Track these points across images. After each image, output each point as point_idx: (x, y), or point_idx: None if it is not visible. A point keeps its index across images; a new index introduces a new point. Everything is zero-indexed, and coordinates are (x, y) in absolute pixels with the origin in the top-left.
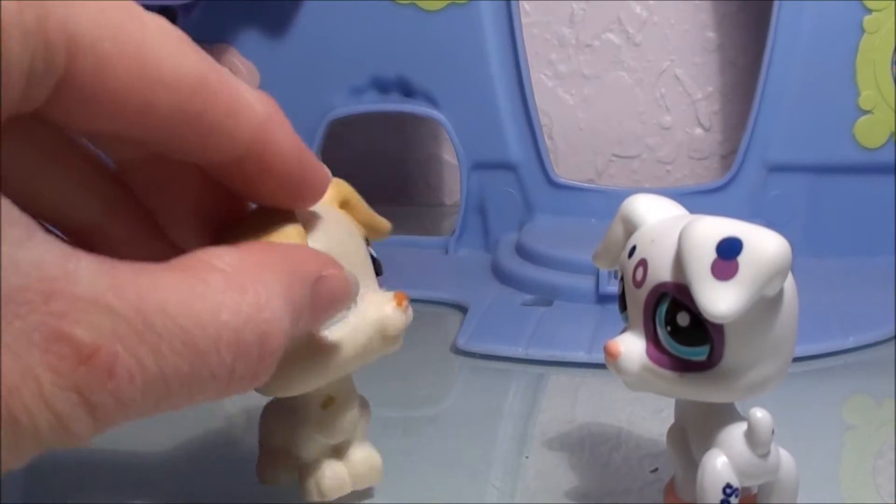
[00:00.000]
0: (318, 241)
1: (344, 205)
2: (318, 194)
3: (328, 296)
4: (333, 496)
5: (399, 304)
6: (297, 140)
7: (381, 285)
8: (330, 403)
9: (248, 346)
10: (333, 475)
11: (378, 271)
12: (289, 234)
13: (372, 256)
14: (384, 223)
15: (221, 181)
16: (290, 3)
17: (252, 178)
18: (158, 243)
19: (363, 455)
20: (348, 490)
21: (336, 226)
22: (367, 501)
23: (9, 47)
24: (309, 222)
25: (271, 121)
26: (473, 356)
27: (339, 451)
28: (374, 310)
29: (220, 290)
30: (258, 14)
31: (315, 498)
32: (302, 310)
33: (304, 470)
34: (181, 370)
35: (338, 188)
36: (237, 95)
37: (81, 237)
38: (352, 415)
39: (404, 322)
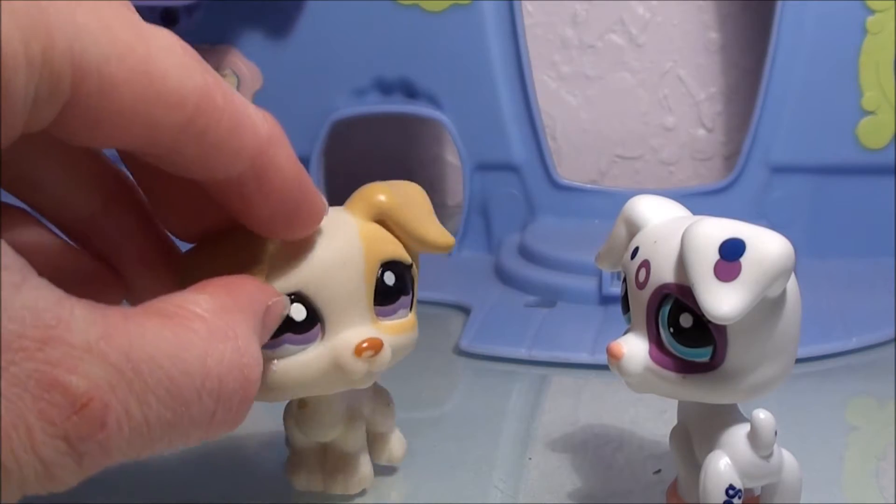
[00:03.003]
0: (293, 269)
1: (380, 221)
2: (312, 223)
3: (271, 324)
4: (300, 488)
5: (358, 354)
6: (298, 164)
7: (408, 306)
8: (303, 405)
9: (230, 392)
10: (307, 469)
11: (392, 296)
12: (252, 273)
13: (383, 285)
14: (436, 238)
15: (220, 201)
16: (293, 5)
17: (250, 198)
18: (154, 237)
19: (342, 464)
20: (317, 489)
21: (328, 250)
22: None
23: (14, 79)
24: (294, 245)
25: (273, 141)
26: (476, 357)
27: (325, 450)
28: (334, 350)
29: (204, 338)
30: (261, 15)
31: (289, 478)
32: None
33: (292, 456)
34: (165, 418)
35: (373, 203)
36: (241, 113)
37: (81, 230)
38: (328, 420)
39: (362, 370)
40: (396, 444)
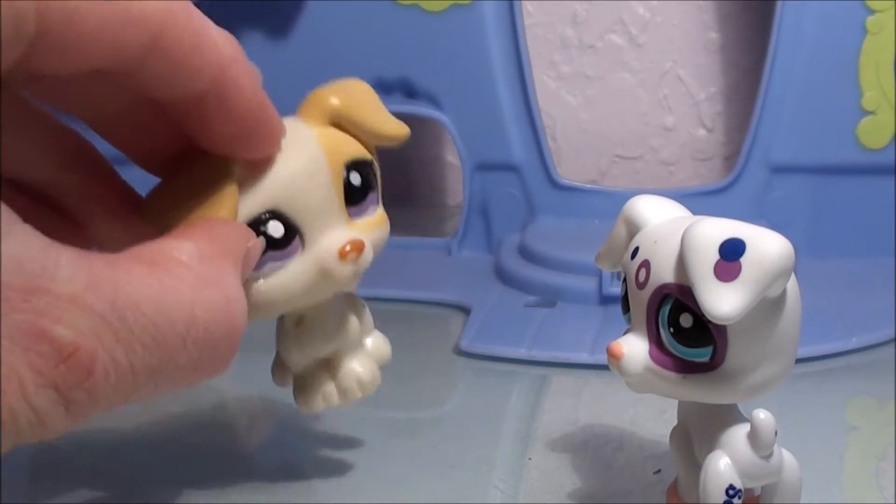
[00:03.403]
0: (263, 189)
1: (335, 123)
2: (272, 142)
3: (249, 266)
4: (319, 409)
5: (342, 257)
6: (259, 86)
7: (376, 201)
8: (301, 322)
9: (216, 339)
10: (320, 388)
11: (360, 195)
12: (224, 204)
13: (351, 186)
14: (392, 130)
15: (180, 122)
16: (293, 4)
17: (210, 117)
18: (118, 190)
19: (350, 368)
20: (335, 403)
21: (292, 163)
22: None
23: None
24: (258, 167)
25: (235, 62)
26: (476, 357)
27: (330, 365)
28: (318, 258)
29: (191, 285)
30: (260, 15)
31: (304, 410)
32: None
33: (295, 382)
34: (150, 364)
35: (326, 107)
36: (203, 31)
37: (44, 193)
38: (327, 331)
39: (349, 272)
40: (379, 344)
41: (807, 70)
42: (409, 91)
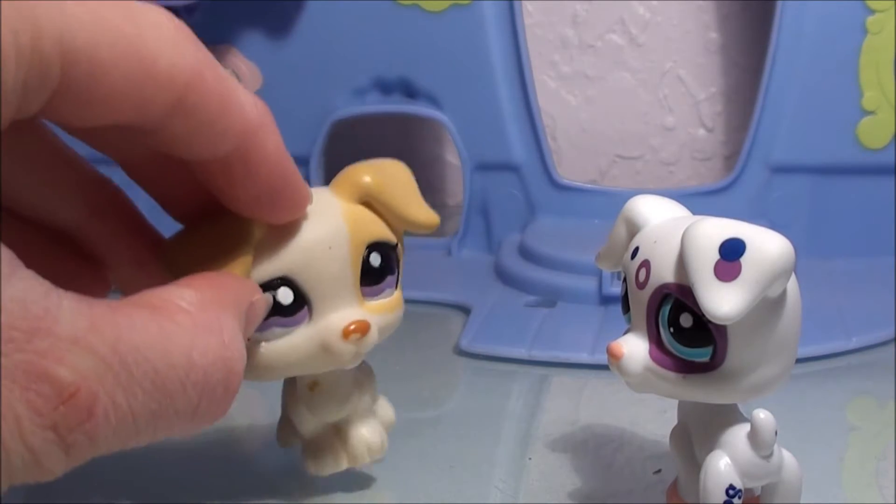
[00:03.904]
0: (279, 254)
1: (366, 203)
2: (297, 208)
3: (254, 319)
4: (328, 472)
5: (345, 336)
6: (285, 152)
7: (393, 284)
8: (315, 386)
9: (213, 385)
10: (330, 452)
11: (377, 276)
12: (237, 263)
13: (369, 266)
14: (421, 218)
15: (205, 182)
16: (293, 4)
17: (235, 180)
18: (144, 237)
19: (360, 434)
20: (344, 467)
21: (313, 233)
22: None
23: (5, 71)
24: (279, 231)
25: (263, 126)
26: (476, 357)
27: (339, 430)
28: (322, 333)
29: (189, 331)
30: (261, 15)
31: (312, 472)
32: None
33: (305, 445)
34: (149, 408)
35: (358, 185)
36: (231, 94)
37: (67, 236)
38: (340, 396)
39: (350, 352)
40: (385, 409)
41: (807, 70)
42: (409, 91)
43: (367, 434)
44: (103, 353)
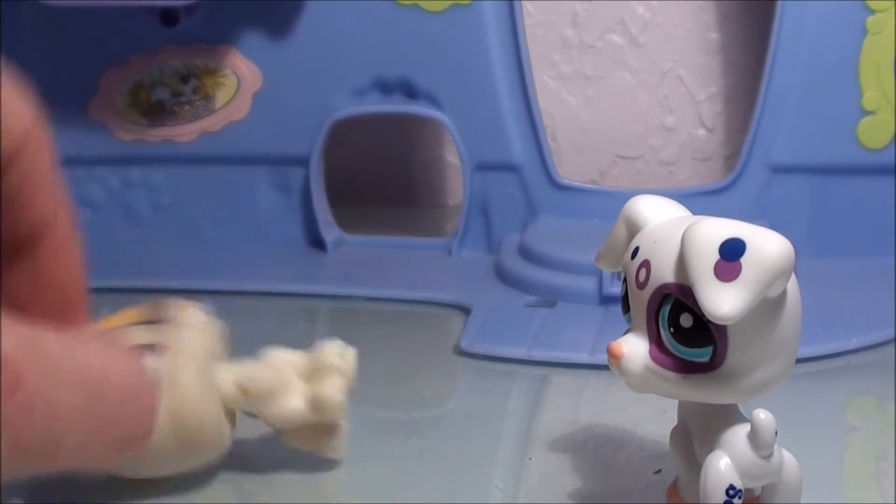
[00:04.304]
0: None
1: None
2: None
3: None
4: (342, 447)
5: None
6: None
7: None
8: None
9: (136, 391)
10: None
11: None
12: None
13: None
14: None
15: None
16: (293, 4)
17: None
18: None
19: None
20: (345, 426)
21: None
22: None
23: None
24: None
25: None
26: (476, 357)
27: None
28: None
29: (100, 344)
30: (261, 15)
31: (331, 455)
32: None
33: (306, 443)
34: (74, 405)
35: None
36: None
37: None
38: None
39: None
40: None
41: (807, 70)
42: (409, 91)
43: (325, 392)
44: (29, 340)
